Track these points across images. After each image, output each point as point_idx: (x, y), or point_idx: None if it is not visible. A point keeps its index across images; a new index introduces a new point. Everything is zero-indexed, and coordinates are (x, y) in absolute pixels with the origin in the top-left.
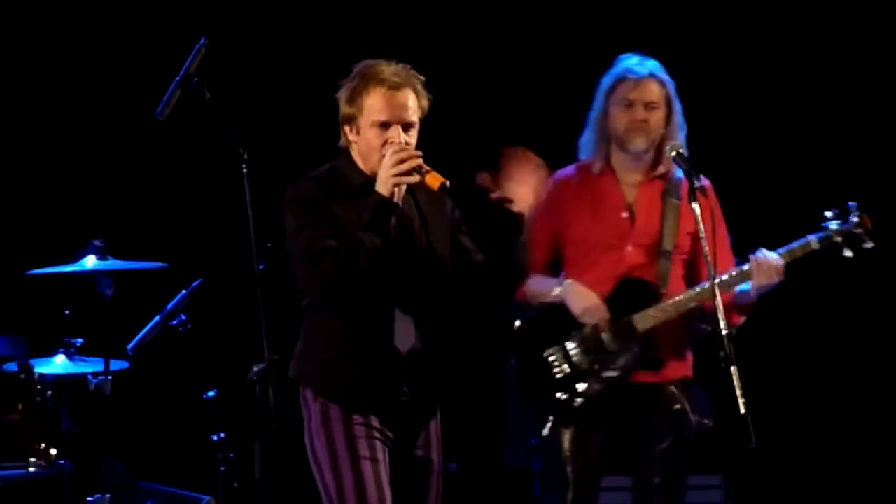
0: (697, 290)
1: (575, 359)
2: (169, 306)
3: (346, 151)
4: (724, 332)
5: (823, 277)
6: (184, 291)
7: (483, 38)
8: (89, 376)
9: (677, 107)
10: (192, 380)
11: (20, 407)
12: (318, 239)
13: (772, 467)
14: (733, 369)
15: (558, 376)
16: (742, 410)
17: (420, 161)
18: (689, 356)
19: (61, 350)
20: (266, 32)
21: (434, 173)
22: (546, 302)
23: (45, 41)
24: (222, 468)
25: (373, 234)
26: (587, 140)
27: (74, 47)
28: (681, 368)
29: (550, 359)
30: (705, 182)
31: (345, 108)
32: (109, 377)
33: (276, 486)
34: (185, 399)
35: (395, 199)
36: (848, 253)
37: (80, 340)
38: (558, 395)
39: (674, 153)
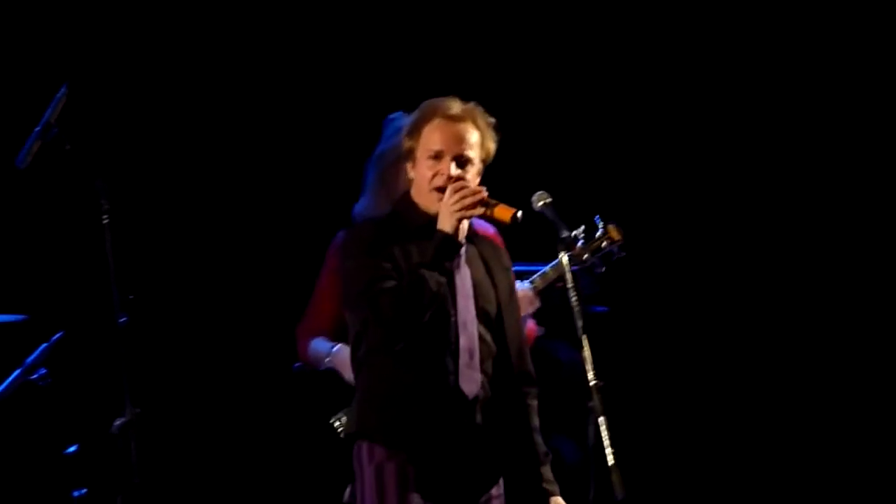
0: None
1: None
2: (29, 360)
3: (406, 191)
4: (592, 383)
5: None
6: (44, 345)
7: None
8: None
9: None
10: (52, 435)
11: None
12: (377, 278)
13: None
14: (601, 420)
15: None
16: (610, 461)
17: (484, 194)
18: None
19: None
20: (127, 82)
21: (503, 205)
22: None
23: None
24: None
25: (436, 272)
26: (370, 200)
27: None
28: None
29: (336, 424)
30: (491, 229)
31: (405, 142)
32: None
33: None
34: (46, 454)
35: (459, 238)
36: (601, 268)
37: None
38: None
39: (541, 203)
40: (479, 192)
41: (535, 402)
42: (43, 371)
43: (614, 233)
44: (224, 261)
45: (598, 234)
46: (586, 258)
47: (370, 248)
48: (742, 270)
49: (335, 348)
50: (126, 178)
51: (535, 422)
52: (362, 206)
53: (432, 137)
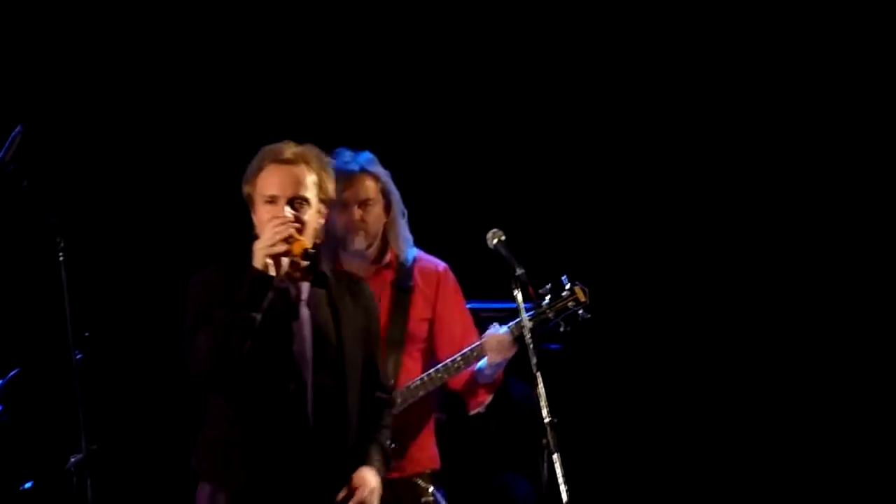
0: (424, 376)
1: None
2: None
3: (254, 236)
4: (545, 420)
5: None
6: (0, 381)
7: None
8: None
9: (395, 195)
10: (8, 471)
11: None
12: (198, 325)
13: None
14: (556, 457)
15: None
16: (565, 499)
17: (292, 231)
18: (434, 447)
19: None
20: (83, 119)
21: (300, 240)
22: None
23: None
24: None
25: (246, 310)
26: None
27: None
28: (427, 461)
29: None
30: (441, 265)
31: (244, 189)
32: None
33: None
34: (2, 491)
35: (271, 273)
36: (565, 327)
37: None
38: None
39: (496, 241)
40: (289, 228)
41: (387, 409)
42: None
43: (581, 294)
44: (180, 297)
45: (564, 293)
46: (551, 317)
47: (203, 294)
48: (692, 306)
49: None
50: (82, 215)
51: (385, 420)
52: None
53: (266, 182)
